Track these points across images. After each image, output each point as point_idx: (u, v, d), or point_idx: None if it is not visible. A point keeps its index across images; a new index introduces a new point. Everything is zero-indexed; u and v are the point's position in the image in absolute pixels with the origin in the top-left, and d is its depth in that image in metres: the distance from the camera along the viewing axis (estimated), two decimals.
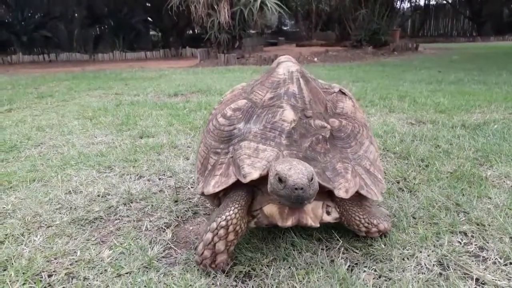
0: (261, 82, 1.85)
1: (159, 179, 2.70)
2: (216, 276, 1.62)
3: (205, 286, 1.56)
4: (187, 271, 1.67)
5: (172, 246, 1.89)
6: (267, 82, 1.82)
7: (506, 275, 1.55)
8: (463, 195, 2.22)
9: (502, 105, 4.58)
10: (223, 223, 1.57)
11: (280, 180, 1.39)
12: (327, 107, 1.82)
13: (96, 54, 18.53)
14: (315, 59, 14.68)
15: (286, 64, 1.84)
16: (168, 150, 3.29)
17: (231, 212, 1.58)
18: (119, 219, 2.18)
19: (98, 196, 2.44)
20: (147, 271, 1.68)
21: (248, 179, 1.53)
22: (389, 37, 18.19)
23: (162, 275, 1.66)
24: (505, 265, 1.62)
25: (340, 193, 1.57)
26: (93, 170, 2.87)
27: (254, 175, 1.54)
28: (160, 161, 3.02)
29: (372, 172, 1.77)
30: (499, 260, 1.64)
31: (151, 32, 24.17)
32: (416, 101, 5.00)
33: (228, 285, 1.58)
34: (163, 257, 1.81)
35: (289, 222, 1.59)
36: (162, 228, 2.06)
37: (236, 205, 1.61)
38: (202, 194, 1.74)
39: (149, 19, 22.02)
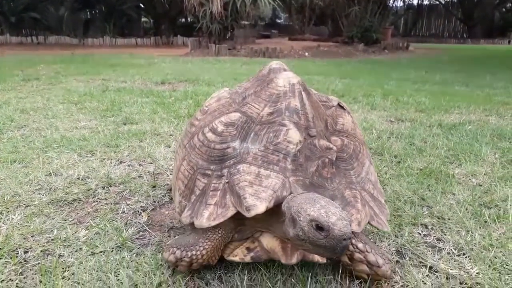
0: (255, 93, 1.63)
1: (139, 165, 2.76)
2: None
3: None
4: (159, 252, 1.74)
5: (147, 229, 1.96)
6: (263, 93, 1.59)
7: (458, 264, 1.66)
8: (429, 190, 2.33)
9: (480, 107, 4.72)
10: (186, 260, 1.49)
11: (321, 228, 1.18)
12: (327, 123, 1.64)
13: (85, 38, 18.35)
14: (306, 53, 14.75)
15: (286, 74, 1.62)
16: (150, 137, 3.34)
17: (199, 252, 1.49)
18: (97, 201, 2.24)
19: (78, 179, 2.49)
20: (121, 251, 1.76)
21: (252, 213, 1.31)
22: (381, 35, 18.33)
23: (134, 254, 1.73)
24: (458, 255, 1.72)
25: (353, 226, 1.39)
26: (74, 153, 2.92)
27: (260, 208, 1.32)
28: (142, 147, 3.08)
29: (376, 197, 1.62)
30: (453, 251, 1.75)
31: (143, 19, 23.96)
32: (398, 100, 5.12)
33: None
34: (137, 238, 1.88)
35: (294, 259, 1.44)
36: (138, 211, 2.13)
37: (207, 244, 1.49)
38: (191, 224, 1.53)
39: (141, 5, 21.81)
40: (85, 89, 5.66)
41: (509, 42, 25.80)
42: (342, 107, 1.74)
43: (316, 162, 1.47)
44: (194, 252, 1.48)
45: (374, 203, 1.58)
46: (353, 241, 1.49)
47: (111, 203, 2.21)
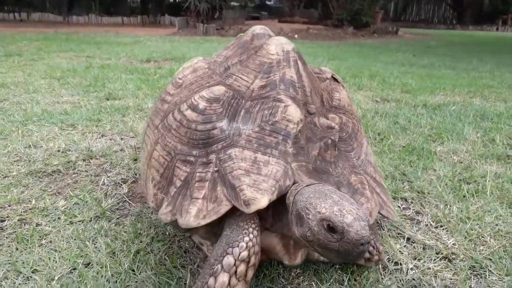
0: (240, 62, 1.41)
1: (121, 138, 2.72)
2: (165, 227, 1.69)
3: (154, 234, 1.63)
4: (138, 222, 1.73)
5: (127, 200, 1.94)
6: (252, 63, 1.37)
7: (435, 236, 1.68)
8: (411, 166, 2.35)
9: (465, 89, 4.75)
10: (245, 253, 1.11)
11: (333, 230, 0.99)
12: (322, 98, 1.44)
13: (70, 16, 17.89)
14: (296, 35, 14.63)
15: (278, 40, 1.39)
16: (133, 113, 3.29)
17: (251, 235, 1.15)
18: (77, 173, 2.20)
19: (58, 151, 2.45)
20: (100, 220, 1.74)
21: (253, 208, 1.10)
22: (371, 18, 18.26)
23: (113, 224, 1.72)
24: (436, 227, 1.75)
25: None
26: (55, 127, 2.86)
27: (262, 201, 1.10)
28: (124, 122, 3.03)
29: (379, 182, 1.45)
30: (431, 223, 1.78)
31: None
32: (385, 81, 5.13)
33: (173, 234, 1.65)
34: (117, 209, 1.87)
35: (299, 259, 1.27)
36: (119, 183, 2.11)
37: (253, 225, 1.18)
38: (173, 223, 1.29)
39: None
40: (68, 65, 5.53)
41: (497, 29, 25.96)
42: (336, 80, 1.54)
43: (318, 144, 1.28)
44: (247, 238, 1.14)
45: (380, 189, 1.41)
46: (377, 244, 1.36)
47: (92, 175, 2.18)
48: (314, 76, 1.47)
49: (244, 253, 1.11)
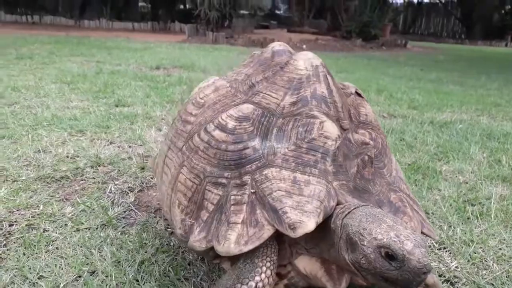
0: (266, 79, 1.37)
1: (129, 146, 2.76)
2: (170, 237, 1.71)
3: (159, 245, 1.65)
4: (144, 231, 1.76)
5: (133, 209, 1.97)
6: (279, 79, 1.34)
7: (438, 257, 1.69)
8: (416, 185, 2.35)
9: (472, 107, 4.75)
10: None
11: (392, 257, 0.95)
12: (350, 114, 1.39)
13: (82, 20, 18.12)
14: (304, 46, 14.71)
15: (306, 55, 1.38)
16: (141, 120, 3.33)
17: (263, 275, 1.12)
18: (84, 180, 2.23)
19: (67, 157, 2.48)
20: (106, 228, 1.77)
21: (300, 232, 1.06)
22: (379, 31, 18.33)
23: (119, 233, 1.74)
24: (439, 249, 1.75)
25: None
26: (64, 132, 2.90)
27: (309, 225, 1.07)
28: (132, 129, 3.07)
29: (414, 199, 1.40)
30: (435, 244, 1.78)
31: (140, 3, 23.70)
32: (392, 96, 5.14)
33: (177, 245, 1.67)
34: (123, 217, 1.89)
35: (344, 284, 1.20)
36: (125, 191, 2.13)
37: (268, 264, 1.13)
38: (208, 252, 1.23)
39: None
40: (78, 70, 5.61)
41: (506, 45, 25.90)
42: (360, 95, 1.50)
43: (356, 161, 1.25)
44: (258, 278, 1.11)
45: (417, 206, 1.36)
46: None
47: (99, 182, 2.21)
48: (341, 91, 1.43)
49: (260, 281, 1.09)
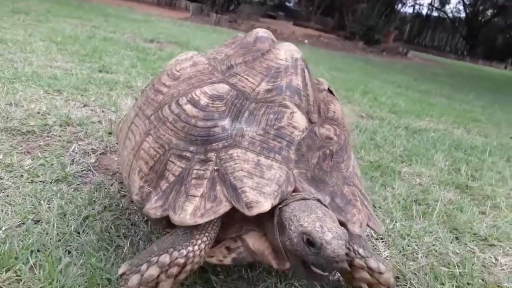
0: (246, 63, 1.40)
1: (102, 111, 2.80)
2: (120, 199, 1.77)
3: (107, 204, 1.71)
4: (96, 191, 1.81)
5: (92, 169, 2.02)
6: (259, 65, 1.37)
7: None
8: (372, 181, 2.43)
9: (451, 119, 4.85)
10: (181, 260, 1.15)
11: (312, 244, 1.06)
12: (320, 109, 1.44)
13: None
14: (306, 41, 14.73)
15: (288, 46, 1.42)
16: (121, 88, 3.36)
17: (196, 247, 1.17)
18: (50, 137, 2.27)
19: (38, 113, 2.51)
20: (60, 184, 1.82)
21: (255, 211, 1.12)
22: (383, 36, 18.39)
23: (72, 189, 1.80)
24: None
25: (355, 229, 1.28)
26: (41, 89, 2.92)
27: (265, 205, 1.13)
28: (110, 96, 3.11)
29: (365, 195, 1.48)
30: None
31: None
32: (376, 99, 5.22)
33: (125, 207, 1.73)
34: (80, 176, 1.94)
35: (288, 264, 1.24)
36: (88, 152, 2.18)
37: (204, 238, 1.19)
38: (161, 220, 1.26)
39: None
40: (71, 32, 5.59)
41: (505, 67, 26.13)
42: (331, 92, 1.56)
43: (318, 154, 1.32)
44: (191, 248, 1.16)
45: (367, 202, 1.44)
46: (355, 246, 1.33)
47: (64, 141, 2.25)
48: (316, 86, 1.49)
49: (181, 260, 1.14)
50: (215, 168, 1.20)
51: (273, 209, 1.18)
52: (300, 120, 1.27)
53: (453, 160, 3.15)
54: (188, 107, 1.28)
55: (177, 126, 1.28)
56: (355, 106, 4.60)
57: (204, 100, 1.27)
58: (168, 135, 1.29)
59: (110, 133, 2.45)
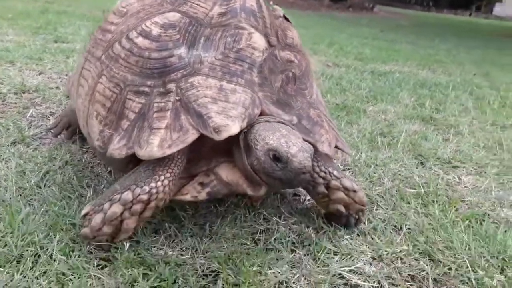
0: None
1: (59, 78, 2.70)
2: (82, 155, 1.74)
3: (68, 159, 1.67)
4: (56, 149, 1.76)
5: (52, 131, 1.96)
6: None
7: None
8: (338, 120, 2.46)
9: (416, 63, 4.92)
10: (144, 196, 1.12)
11: (278, 159, 1.09)
12: (278, 34, 1.38)
13: None
14: (270, 2, 14.45)
15: None
16: (78, 55, 3.24)
17: (160, 183, 1.14)
18: (5, 104, 2.19)
19: None
20: (18, 145, 1.76)
21: (224, 135, 1.11)
22: None
23: (31, 150, 1.75)
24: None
25: (324, 148, 1.27)
26: None
27: (233, 128, 1.12)
28: (67, 63, 3.00)
29: (330, 118, 1.48)
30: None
31: None
32: (342, 49, 5.22)
33: (88, 161, 1.70)
34: (39, 137, 1.89)
35: (263, 190, 1.25)
36: (46, 116, 2.12)
37: (168, 174, 1.16)
38: (127, 164, 1.25)
39: None
40: (22, 8, 5.32)
41: (470, 14, 26.43)
42: (287, 19, 1.51)
43: (280, 77, 1.29)
44: (153, 184, 1.13)
45: (333, 125, 1.45)
46: (329, 169, 1.32)
47: (20, 107, 2.18)
48: (271, 11, 1.44)
49: (143, 196, 1.11)
50: (177, 98, 1.16)
51: (240, 134, 1.18)
52: (259, 40, 1.24)
53: (418, 96, 3.21)
54: (140, 40, 1.23)
55: (130, 61, 1.23)
56: (321, 56, 4.59)
57: (155, 30, 1.22)
58: (122, 72, 1.24)
59: (68, 96, 2.38)
